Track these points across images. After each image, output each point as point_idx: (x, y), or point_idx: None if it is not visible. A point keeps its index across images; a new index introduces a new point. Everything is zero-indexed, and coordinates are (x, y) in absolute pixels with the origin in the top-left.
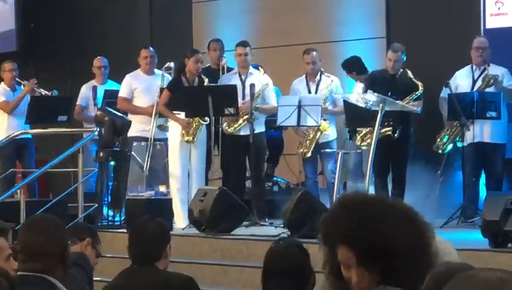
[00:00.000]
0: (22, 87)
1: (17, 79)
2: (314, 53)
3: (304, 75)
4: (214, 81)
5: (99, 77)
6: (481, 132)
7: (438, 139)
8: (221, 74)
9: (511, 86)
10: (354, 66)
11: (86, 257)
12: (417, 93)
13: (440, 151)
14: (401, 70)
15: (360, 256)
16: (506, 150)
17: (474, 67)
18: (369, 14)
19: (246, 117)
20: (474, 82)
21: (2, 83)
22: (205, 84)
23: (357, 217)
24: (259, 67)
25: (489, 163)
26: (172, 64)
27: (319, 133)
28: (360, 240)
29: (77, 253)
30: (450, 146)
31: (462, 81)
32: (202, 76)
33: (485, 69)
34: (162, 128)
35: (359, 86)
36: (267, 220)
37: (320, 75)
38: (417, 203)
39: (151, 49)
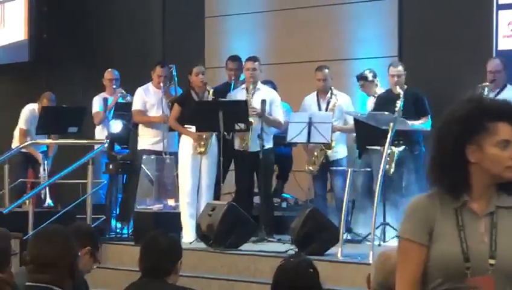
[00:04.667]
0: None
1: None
2: (326, 70)
3: (315, 92)
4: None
5: (110, 89)
6: None
7: None
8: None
9: None
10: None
11: None
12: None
13: None
14: (406, 87)
15: None
16: None
17: (487, 89)
18: (382, 32)
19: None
20: None
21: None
22: (210, 94)
23: None
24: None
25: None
26: (173, 66)
27: (323, 153)
28: None
29: None
30: None
31: None
32: (207, 87)
33: (498, 93)
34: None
35: (372, 100)
36: (274, 236)
37: (331, 93)
38: None
39: (167, 68)
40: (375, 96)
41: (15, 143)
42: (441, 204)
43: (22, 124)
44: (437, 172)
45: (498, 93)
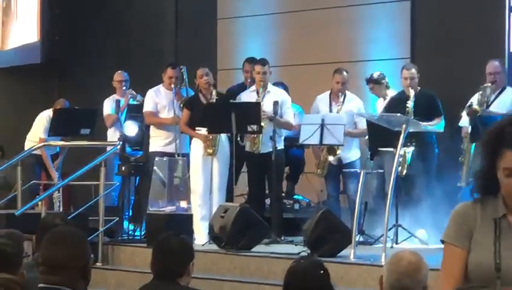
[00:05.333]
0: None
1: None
2: (345, 74)
3: (328, 92)
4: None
5: (120, 90)
6: None
7: (460, 173)
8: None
9: None
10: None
11: None
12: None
13: (463, 184)
14: (419, 88)
15: None
16: None
17: (489, 90)
18: (394, 34)
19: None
20: (487, 107)
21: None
22: (214, 93)
23: None
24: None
25: None
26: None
27: (330, 157)
28: None
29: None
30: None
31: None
32: (212, 88)
33: (499, 94)
34: None
35: (381, 102)
36: (286, 238)
37: (344, 98)
38: (438, 224)
39: (178, 69)
40: (385, 98)
41: (28, 146)
42: (482, 213)
43: (41, 133)
44: (477, 184)
45: (498, 94)
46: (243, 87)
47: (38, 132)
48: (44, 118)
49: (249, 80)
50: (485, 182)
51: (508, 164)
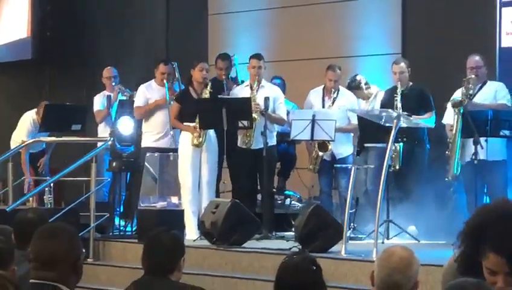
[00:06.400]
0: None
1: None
2: (339, 71)
3: (322, 88)
4: (218, 93)
5: (109, 86)
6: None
7: (448, 168)
8: (225, 88)
9: (502, 99)
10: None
11: None
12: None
13: (451, 178)
14: (411, 84)
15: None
16: (507, 167)
17: (472, 82)
18: (385, 30)
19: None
20: (471, 100)
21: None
22: (208, 88)
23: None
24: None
25: (489, 181)
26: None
27: (321, 153)
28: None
29: None
30: (459, 168)
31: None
32: (208, 81)
33: (480, 88)
34: None
35: (363, 103)
36: (277, 233)
37: (337, 93)
38: (429, 220)
39: (170, 65)
40: (368, 100)
41: (13, 146)
42: None
43: (24, 136)
44: (460, 270)
45: (480, 88)
46: (218, 82)
47: (21, 134)
48: (27, 120)
49: (224, 77)
50: (467, 267)
51: (491, 266)
